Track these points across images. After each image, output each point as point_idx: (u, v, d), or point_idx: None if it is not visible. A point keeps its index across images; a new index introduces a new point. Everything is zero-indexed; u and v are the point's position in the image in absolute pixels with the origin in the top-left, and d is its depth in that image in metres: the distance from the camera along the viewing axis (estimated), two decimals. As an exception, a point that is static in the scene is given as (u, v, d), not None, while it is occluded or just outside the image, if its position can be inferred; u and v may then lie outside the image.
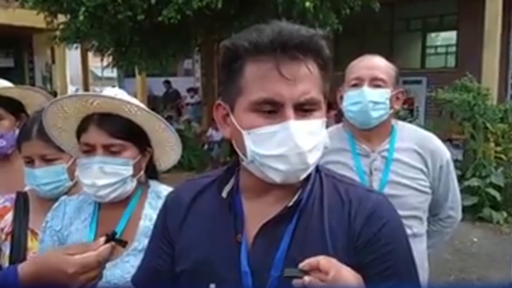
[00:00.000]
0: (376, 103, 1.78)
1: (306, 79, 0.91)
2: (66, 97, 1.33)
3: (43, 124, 1.42)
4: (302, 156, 0.92)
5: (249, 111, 0.93)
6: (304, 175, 0.96)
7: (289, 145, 0.91)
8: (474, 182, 5.97)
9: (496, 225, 5.77)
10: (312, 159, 0.94)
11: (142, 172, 1.41)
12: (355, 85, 1.82)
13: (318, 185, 1.02)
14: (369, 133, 1.85)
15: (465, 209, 6.17)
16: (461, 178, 6.11)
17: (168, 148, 1.46)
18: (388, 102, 1.80)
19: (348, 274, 0.89)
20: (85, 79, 14.53)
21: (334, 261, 0.89)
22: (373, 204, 0.98)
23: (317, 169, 1.05)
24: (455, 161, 6.57)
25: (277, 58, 0.89)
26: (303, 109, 0.92)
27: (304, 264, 0.89)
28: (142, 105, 1.38)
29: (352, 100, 1.81)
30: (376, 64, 1.84)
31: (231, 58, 0.95)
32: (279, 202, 0.99)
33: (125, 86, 15.85)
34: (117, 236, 1.14)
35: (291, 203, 0.98)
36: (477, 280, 4.38)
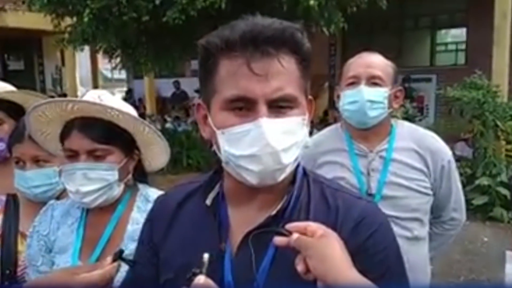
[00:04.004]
0: (373, 102, 1.73)
1: (280, 75, 0.87)
2: (44, 103, 1.29)
3: (28, 129, 1.39)
4: (275, 156, 0.87)
5: (223, 110, 0.90)
6: (282, 176, 0.91)
7: (261, 144, 0.86)
8: (484, 181, 5.88)
9: (507, 225, 5.67)
10: (288, 159, 0.89)
11: (129, 176, 1.37)
12: (352, 84, 1.77)
13: (306, 191, 0.98)
14: (367, 132, 1.80)
15: (475, 209, 6.07)
16: (471, 177, 6.01)
17: (156, 150, 1.42)
18: (386, 101, 1.75)
19: (335, 240, 0.85)
20: (95, 81, 14.61)
21: (323, 226, 0.86)
22: (361, 212, 0.94)
23: (305, 173, 1.01)
24: (466, 159, 6.50)
25: (248, 53, 0.86)
26: (278, 106, 0.88)
27: (291, 226, 0.86)
28: (126, 108, 1.34)
29: (349, 99, 1.77)
30: (374, 61, 1.78)
31: (206, 56, 0.92)
32: (264, 209, 0.95)
33: (134, 88, 15.94)
34: (123, 255, 1.11)
35: (274, 212, 0.93)
36: (487, 281, 4.30)
